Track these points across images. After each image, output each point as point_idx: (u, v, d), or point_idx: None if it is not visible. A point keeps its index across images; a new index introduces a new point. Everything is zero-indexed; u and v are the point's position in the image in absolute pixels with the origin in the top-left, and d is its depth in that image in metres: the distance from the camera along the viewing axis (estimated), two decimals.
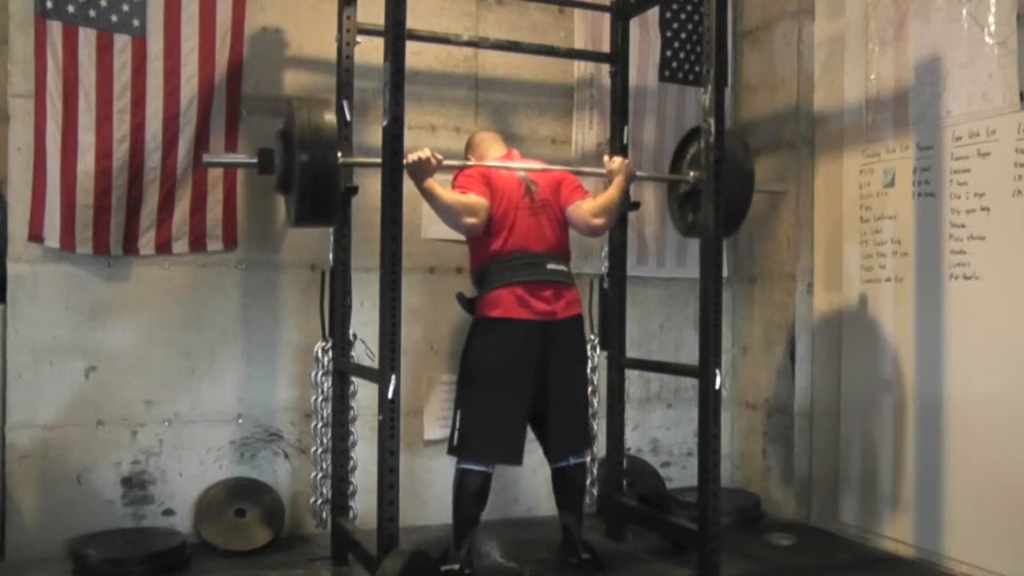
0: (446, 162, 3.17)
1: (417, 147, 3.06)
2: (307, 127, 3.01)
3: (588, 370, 3.58)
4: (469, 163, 3.37)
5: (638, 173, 3.60)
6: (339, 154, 3.06)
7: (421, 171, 3.05)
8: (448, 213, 3.19)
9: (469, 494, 3.19)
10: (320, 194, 3.03)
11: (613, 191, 3.38)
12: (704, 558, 3.16)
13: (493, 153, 3.45)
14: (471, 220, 3.19)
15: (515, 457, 3.26)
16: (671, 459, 4.54)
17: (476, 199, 3.20)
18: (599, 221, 3.34)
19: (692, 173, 3.59)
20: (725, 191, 3.25)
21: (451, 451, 3.26)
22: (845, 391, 4.05)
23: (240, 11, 3.69)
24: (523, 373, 3.21)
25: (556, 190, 3.37)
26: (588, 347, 3.63)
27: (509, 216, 3.25)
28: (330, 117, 3.07)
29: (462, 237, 3.69)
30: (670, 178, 3.82)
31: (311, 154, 2.98)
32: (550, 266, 3.25)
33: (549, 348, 3.24)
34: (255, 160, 3.15)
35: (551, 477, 3.44)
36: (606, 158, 3.57)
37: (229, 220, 3.73)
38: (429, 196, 3.12)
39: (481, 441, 3.19)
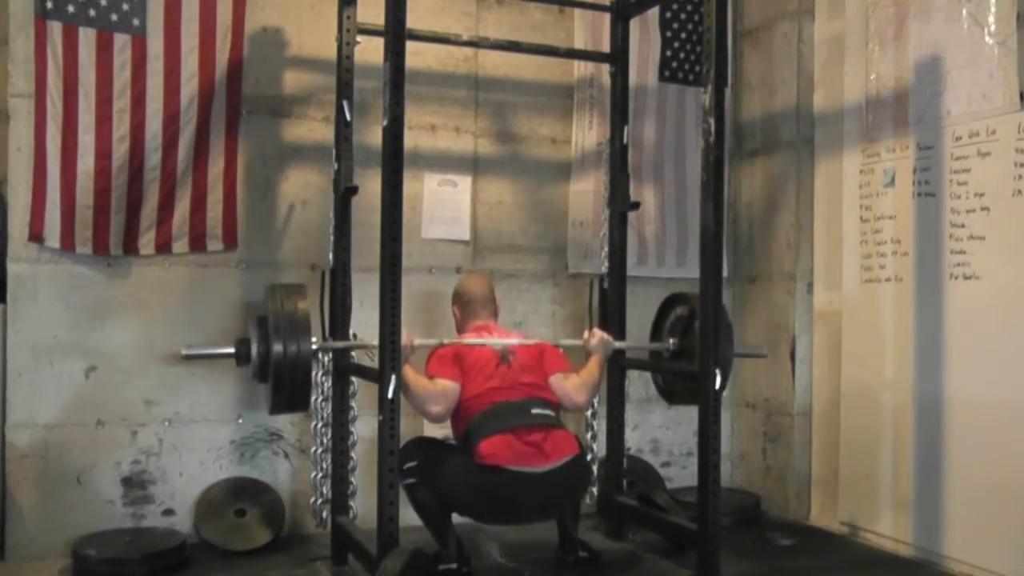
0: (418, 342, 3.24)
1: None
2: (281, 315, 3.05)
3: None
4: (444, 343, 3.34)
5: (616, 344, 3.63)
6: (313, 341, 3.10)
7: None
8: (414, 401, 3.17)
9: (426, 502, 3.19)
10: (295, 386, 3.09)
11: (593, 368, 3.44)
12: (704, 558, 3.16)
13: (474, 323, 3.44)
14: (436, 409, 3.18)
15: (463, 514, 3.26)
16: (671, 459, 4.54)
17: (442, 386, 3.18)
18: (582, 398, 3.38)
19: (672, 340, 3.64)
20: (723, 191, 3.24)
21: (400, 471, 3.13)
22: (845, 391, 4.05)
23: (240, 11, 3.69)
24: (503, 515, 3.21)
25: (539, 359, 3.37)
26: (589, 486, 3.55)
27: (480, 382, 3.21)
28: (303, 304, 3.11)
29: (462, 237, 3.71)
30: (650, 347, 3.82)
31: (285, 344, 3.03)
32: (535, 411, 3.19)
33: (545, 500, 3.16)
34: (232, 350, 3.19)
35: None
36: (586, 334, 3.58)
37: (229, 220, 3.73)
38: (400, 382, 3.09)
39: (432, 494, 3.17)
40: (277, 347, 3.02)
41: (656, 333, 3.79)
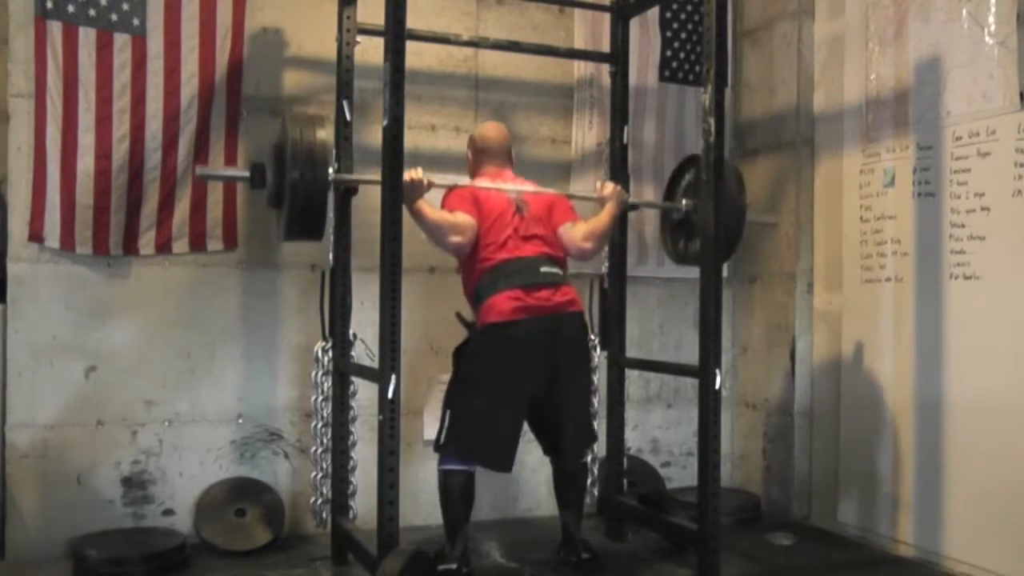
0: (437, 181, 3.22)
1: (411, 167, 3.05)
2: (299, 143, 3.04)
3: (592, 369, 3.57)
4: (458, 184, 3.37)
5: (630, 200, 3.67)
6: (330, 170, 3.09)
7: (412, 192, 3.07)
8: (434, 232, 3.20)
9: (454, 494, 3.21)
10: (310, 211, 3.08)
11: (604, 217, 3.44)
12: (704, 558, 3.16)
13: (488, 168, 3.45)
14: (456, 238, 3.20)
15: (504, 464, 3.23)
16: (671, 459, 4.54)
17: (463, 218, 3.22)
18: (589, 245, 3.38)
19: (685, 201, 3.65)
20: (723, 190, 3.24)
21: (437, 448, 3.27)
22: (845, 391, 4.05)
23: (240, 11, 3.69)
24: (521, 380, 3.19)
25: (549, 211, 3.39)
26: (590, 346, 3.61)
27: (495, 232, 3.25)
28: (322, 134, 3.10)
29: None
30: (662, 205, 3.87)
31: (302, 171, 3.02)
32: (544, 269, 3.25)
33: (554, 347, 3.22)
34: (247, 174, 3.18)
35: (552, 476, 3.46)
36: (598, 184, 3.61)
37: (229, 220, 3.73)
38: (417, 215, 3.14)
39: (467, 443, 3.18)
40: (294, 173, 3.02)
41: (669, 196, 3.81)
